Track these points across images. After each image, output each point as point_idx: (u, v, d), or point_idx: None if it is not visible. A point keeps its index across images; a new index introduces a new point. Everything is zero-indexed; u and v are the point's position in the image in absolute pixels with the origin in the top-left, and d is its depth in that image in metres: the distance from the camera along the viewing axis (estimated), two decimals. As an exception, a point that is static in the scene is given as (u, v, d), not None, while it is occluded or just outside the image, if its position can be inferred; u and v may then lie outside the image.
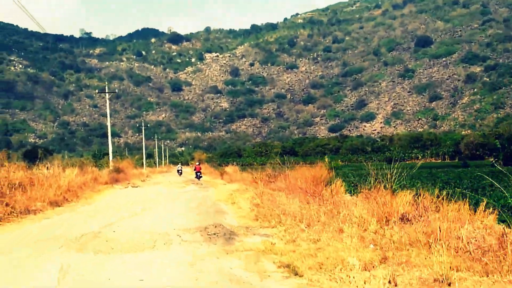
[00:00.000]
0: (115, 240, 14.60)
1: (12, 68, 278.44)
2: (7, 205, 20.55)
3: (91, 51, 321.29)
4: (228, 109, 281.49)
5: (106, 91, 60.60)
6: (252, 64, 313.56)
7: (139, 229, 16.59)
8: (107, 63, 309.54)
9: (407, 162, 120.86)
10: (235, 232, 15.67)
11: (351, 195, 23.08)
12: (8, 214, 19.84)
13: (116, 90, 74.94)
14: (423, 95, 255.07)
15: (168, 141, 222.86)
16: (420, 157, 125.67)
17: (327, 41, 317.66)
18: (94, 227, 17.14)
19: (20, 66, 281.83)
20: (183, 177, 67.29)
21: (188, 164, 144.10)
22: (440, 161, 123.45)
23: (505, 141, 67.13)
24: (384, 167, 18.47)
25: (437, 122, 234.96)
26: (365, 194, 19.65)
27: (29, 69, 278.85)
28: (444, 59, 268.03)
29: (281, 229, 15.63)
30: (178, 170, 78.76)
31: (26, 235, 15.89)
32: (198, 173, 57.85)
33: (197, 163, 63.50)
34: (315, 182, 24.96)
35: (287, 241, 13.70)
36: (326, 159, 26.77)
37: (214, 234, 15.38)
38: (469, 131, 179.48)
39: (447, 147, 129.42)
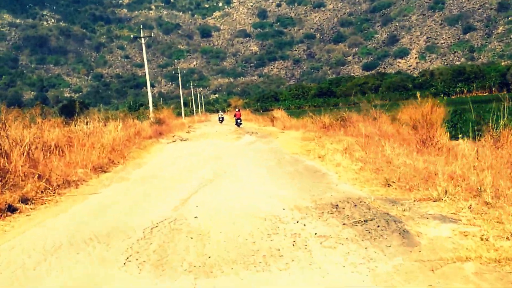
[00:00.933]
0: (206, 237, 9.02)
1: (45, 23, 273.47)
2: (40, 177, 14.92)
3: (120, 1, 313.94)
4: (258, 53, 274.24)
5: (142, 35, 54.70)
6: (279, 5, 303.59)
7: (231, 211, 10.89)
8: (136, 12, 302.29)
9: (452, 97, 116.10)
10: (391, 215, 9.66)
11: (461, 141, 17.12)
12: (42, 192, 14.32)
13: (152, 34, 69.17)
14: (456, 27, 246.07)
15: (201, 89, 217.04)
16: (465, 91, 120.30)
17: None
18: (164, 210, 11.47)
19: (52, 20, 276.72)
20: (226, 125, 63.09)
21: (224, 111, 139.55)
22: (490, 93, 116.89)
23: None
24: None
25: (474, 54, 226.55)
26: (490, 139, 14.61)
27: (61, 23, 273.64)
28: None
29: (456, 205, 9.81)
30: (219, 118, 76.49)
31: (59, 231, 10.29)
32: (239, 120, 57.57)
33: (236, 110, 63.36)
34: (417, 125, 19.27)
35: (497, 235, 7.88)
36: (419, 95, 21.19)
37: (361, 221, 9.41)
38: (509, 61, 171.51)
39: (493, 79, 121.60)
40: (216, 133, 44.65)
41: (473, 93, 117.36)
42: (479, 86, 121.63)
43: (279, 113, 58.43)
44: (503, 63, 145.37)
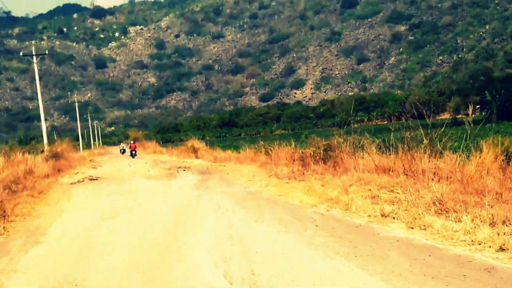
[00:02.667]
0: None
1: None
2: None
3: (10, 31, 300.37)
4: (156, 84, 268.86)
5: (34, 53, 49.22)
6: (177, 36, 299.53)
7: None
8: (27, 42, 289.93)
9: (354, 125, 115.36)
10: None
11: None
12: None
13: (47, 52, 63.18)
14: (351, 58, 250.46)
15: (97, 121, 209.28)
16: (366, 120, 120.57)
17: (254, 7, 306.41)
18: None
19: None
20: (137, 157, 59.72)
21: (126, 143, 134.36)
22: (390, 122, 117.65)
23: (493, 92, 59.25)
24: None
25: (367, 84, 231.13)
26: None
27: None
28: (369, 19, 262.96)
29: None
30: (121, 150, 76.68)
31: None
32: (133, 151, 61.34)
33: (132, 142, 67.34)
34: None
35: None
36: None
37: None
38: (399, 91, 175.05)
39: (391, 108, 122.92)
40: (133, 169, 38.16)
41: (373, 122, 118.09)
42: (379, 114, 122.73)
43: (198, 143, 55.58)
44: (398, 92, 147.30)
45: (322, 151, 22.96)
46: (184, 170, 33.95)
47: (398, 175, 16.02)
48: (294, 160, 25.87)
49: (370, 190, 15.67)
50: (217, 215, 15.20)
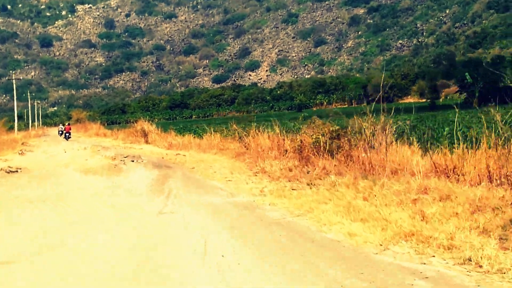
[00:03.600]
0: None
1: None
2: None
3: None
4: (104, 64, 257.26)
5: None
6: (128, 15, 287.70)
7: None
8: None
9: (313, 109, 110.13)
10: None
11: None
12: None
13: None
14: (308, 40, 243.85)
15: (39, 101, 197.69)
16: (325, 103, 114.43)
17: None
18: None
19: None
20: (75, 141, 52.49)
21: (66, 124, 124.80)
22: (350, 105, 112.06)
23: (474, 74, 52.94)
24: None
25: (324, 67, 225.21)
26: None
27: None
28: (327, 2, 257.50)
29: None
30: (59, 131, 73.85)
31: None
32: (67, 134, 60.06)
33: (67, 124, 66.92)
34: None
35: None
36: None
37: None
38: (357, 75, 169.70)
39: (353, 91, 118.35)
40: (68, 157, 29.76)
41: (333, 105, 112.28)
42: (339, 98, 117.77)
43: (148, 125, 46.38)
44: (358, 75, 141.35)
45: (328, 140, 15.72)
46: (133, 161, 26.21)
47: (488, 183, 7.81)
48: (286, 152, 19.50)
49: (457, 214, 7.86)
50: (209, 275, 7.26)
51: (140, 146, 39.57)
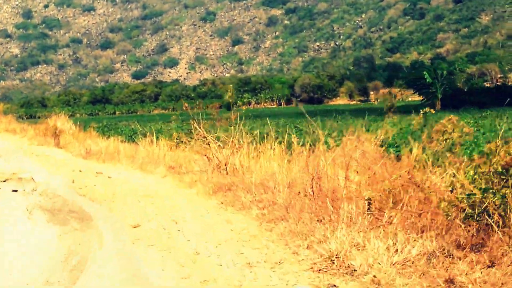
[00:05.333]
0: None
1: None
2: None
3: None
4: (20, 55, 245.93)
5: None
6: (46, 6, 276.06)
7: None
8: None
9: (243, 108, 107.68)
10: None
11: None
12: None
13: None
14: (225, 39, 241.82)
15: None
16: (253, 102, 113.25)
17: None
18: None
19: None
20: None
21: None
22: (279, 105, 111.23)
23: (434, 75, 51.64)
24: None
25: (243, 66, 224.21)
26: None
27: None
28: (244, 2, 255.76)
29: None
30: None
31: None
32: None
33: None
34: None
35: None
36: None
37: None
38: (277, 75, 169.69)
39: (280, 91, 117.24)
40: None
41: (262, 105, 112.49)
42: (267, 97, 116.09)
43: (64, 122, 36.83)
44: (286, 77, 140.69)
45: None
46: (16, 190, 15.39)
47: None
48: (369, 206, 8.88)
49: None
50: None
51: (49, 150, 28.68)
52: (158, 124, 38.83)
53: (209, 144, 16.37)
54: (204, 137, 16.58)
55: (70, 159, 24.08)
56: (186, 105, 17.37)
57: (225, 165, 15.49)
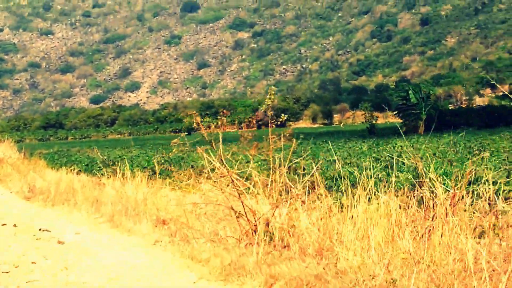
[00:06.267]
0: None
1: None
2: None
3: None
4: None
5: None
6: (1, 30, 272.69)
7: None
8: None
9: (202, 132, 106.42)
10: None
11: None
12: None
13: None
14: (191, 62, 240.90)
15: None
16: (214, 126, 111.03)
17: (87, 4, 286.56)
18: None
19: None
20: None
21: None
22: (240, 129, 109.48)
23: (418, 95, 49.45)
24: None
25: (207, 90, 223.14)
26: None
27: None
28: (211, 25, 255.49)
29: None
30: None
31: None
32: None
33: None
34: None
35: None
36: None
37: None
38: (241, 98, 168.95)
39: (242, 114, 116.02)
40: None
41: (223, 129, 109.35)
42: (228, 121, 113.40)
43: (7, 149, 33.17)
44: (252, 100, 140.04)
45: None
46: None
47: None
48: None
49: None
50: None
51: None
52: (120, 151, 35.99)
53: (237, 191, 9.57)
54: (229, 179, 9.76)
55: (5, 201, 17.67)
56: (199, 120, 10.85)
57: (280, 230, 8.87)
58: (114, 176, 16.46)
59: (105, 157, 24.35)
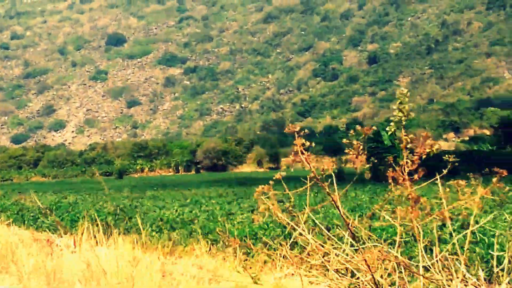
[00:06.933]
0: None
1: None
2: None
3: None
4: None
5: None
6: None
7: None
8: None
9: (135, 176, 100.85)
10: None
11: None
12: None
13: None
14: (120, 100, 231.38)
15: None
16: (147, 169, 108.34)
17: (5, 36, 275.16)
18: None
19: None
20: None
21: None
22: (177, 172, 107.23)
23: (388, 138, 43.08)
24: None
25: (138, 130, 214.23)
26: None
27: None
28: (139, 60, 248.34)
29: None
30: None
31: None
32: None
33: None
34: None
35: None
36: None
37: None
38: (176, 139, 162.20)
39: (179, 156, 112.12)
40: None
41: (157, 172, 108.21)
42: (163, 163, 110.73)
43: None
44: (189, 141, 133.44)
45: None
46: None
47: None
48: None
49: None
50: None
51: None
52: (52, 195, 33.78)
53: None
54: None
55: None
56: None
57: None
58: (65, 232, 13.15)
59: (40, 204, 20.30)
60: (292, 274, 8.08)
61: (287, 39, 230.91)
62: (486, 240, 12.04)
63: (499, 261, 7.66)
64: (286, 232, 10.42)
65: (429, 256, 6.59)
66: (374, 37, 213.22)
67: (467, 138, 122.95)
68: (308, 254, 6.13)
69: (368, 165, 46.70)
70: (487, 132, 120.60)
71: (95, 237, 10.92)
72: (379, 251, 5.84)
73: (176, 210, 22.16)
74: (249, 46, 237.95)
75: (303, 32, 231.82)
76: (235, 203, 25.85)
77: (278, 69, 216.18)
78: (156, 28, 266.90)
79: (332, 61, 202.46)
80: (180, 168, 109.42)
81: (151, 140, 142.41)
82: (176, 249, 12.08)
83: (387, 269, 6.16)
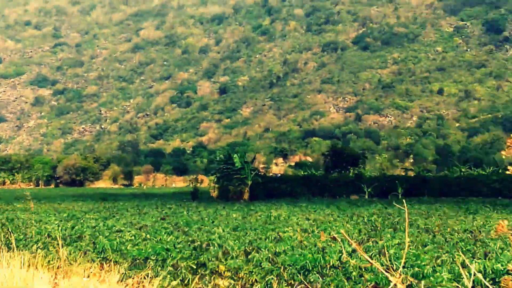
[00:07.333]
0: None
1: None
2: None
3: None
4: None
5: None
6: None
7: None
8: None
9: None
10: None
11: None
12: None
13: None
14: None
15: None
16: (9, 182, 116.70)
17: None
18: None
19: None
20: None
21: None
22: (37, 186, 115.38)
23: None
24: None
25: (1, 145, 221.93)
26: None
27: None
28: (12, 79, 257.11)
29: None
30: None
31: None
32: None
33: None
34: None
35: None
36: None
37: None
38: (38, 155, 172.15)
39: (41, 171, 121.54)
40: None
41: (19, 185, 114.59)
42: (25, 177, 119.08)
43: None
44: (50, 157, 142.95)
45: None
46: None
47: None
48: None
49: None
50: None
51: None
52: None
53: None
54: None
55: None
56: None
57: None
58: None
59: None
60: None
61: (150, 68, 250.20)
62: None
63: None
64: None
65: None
66: (226, 71, 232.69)
67: (293, 164, 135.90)
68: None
69: (216, 185, 48.81)
70: (310, 159, 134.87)
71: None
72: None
73: (58, 225, 21.05)
74: (116, 73, 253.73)
75: (165, 63, 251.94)
76: (114, 218, 25.36)
77: (139, 95, 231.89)
78: (31, 51, 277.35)
79: (188, 90, 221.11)
80: (40, 182, 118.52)
81: (14, 154, 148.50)
82: (70, 269, 11.06)
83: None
